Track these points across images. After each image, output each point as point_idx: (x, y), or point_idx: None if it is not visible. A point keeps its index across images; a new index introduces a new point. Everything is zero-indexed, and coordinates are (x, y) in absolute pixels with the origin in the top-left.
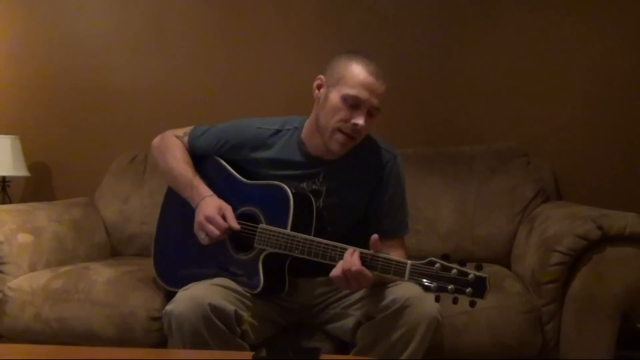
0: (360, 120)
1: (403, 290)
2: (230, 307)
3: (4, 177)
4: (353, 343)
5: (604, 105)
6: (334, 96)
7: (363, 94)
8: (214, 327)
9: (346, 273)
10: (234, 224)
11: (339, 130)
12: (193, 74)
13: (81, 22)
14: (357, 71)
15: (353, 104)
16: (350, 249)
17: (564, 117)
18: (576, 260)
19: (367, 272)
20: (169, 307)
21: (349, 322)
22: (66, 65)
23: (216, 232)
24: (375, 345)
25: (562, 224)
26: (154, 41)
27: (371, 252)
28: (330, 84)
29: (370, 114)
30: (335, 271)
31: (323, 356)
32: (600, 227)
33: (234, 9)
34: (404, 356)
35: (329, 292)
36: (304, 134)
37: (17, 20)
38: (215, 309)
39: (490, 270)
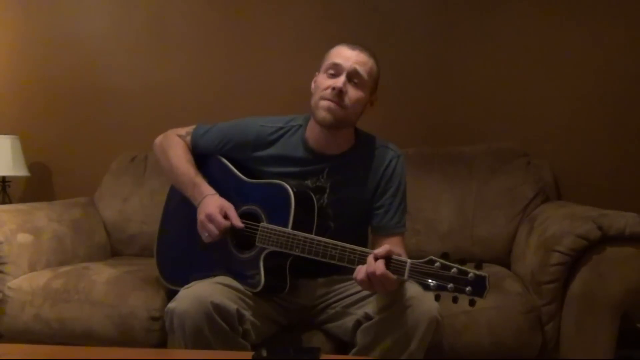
0: (338, 83)
1: (403, 290)
2: (233, 306)
3: (4, 177)
4: (353, 343)
5: (604, 106)
6: (320, 76)
7: (340, 60)
8: (216, 325)
9: (370, 277)
10: (237, 222)
11: (322, 98)
12: (193, 74)
13: (81, 22)
14: (338, 47)
15: (333, 72)
16: (371, 252)
17: (564, 117)
18: (576, 260)
19: (391, 275)
20: (171, 304)
21: (348, 321)
22: (66, 65)
23: (215, 231)
24: (374, 345)
25: (562, 224)
26: (154, 41)
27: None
28: (319, 71)
29: (354, 83)
30: (359, 274)
31: (323, 356)
32: (600, 227)
33: (234, 9)
34: (403, 356)
35: (330, 292)
36: (307, 130)
37: (17, 21)
38: (217, 308)
39: (490, 271)
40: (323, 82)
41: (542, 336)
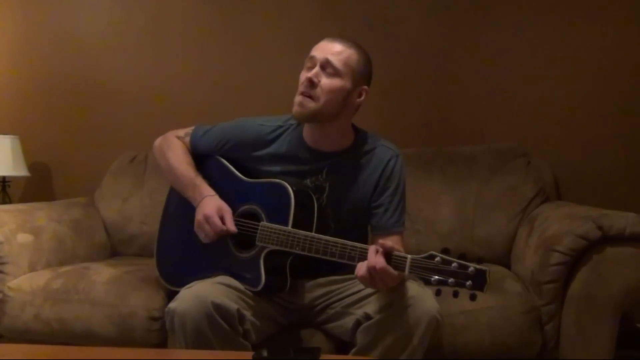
0: (308, 74)
1: (402, 290)
2: (233, 306)
3: (4, 177)
4: (353, 343)
5: (604, 105)
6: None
7: (315, 52)
8: (217, 325)
9: (371, 271)
10: (232, 226)
11: (298, 92)
12: (193, 74)
13: (81, 22)
14: (319, 42)
15: (309, 65)
16: (373, 247)
17: (564, 117)
18: (576, 260)
19: (391, 270)
20: (172, 305)
21: (348, 321)
22: (66, 65)
23: (211, 232)
24: (374, 345)
25: (562, 224)
26: (153, 41)
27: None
28: None
29: (328, 73)
30: (360, 270)
31: (323, 356)
32: (600, 227)
33: (234, 9)
34: (403, 356)
35: (330, 292)
36: (305, 128)
37: (17, 21)
38: (218, 308)
39: (490, 271)
40: (301, 76)
41: (542, 336)
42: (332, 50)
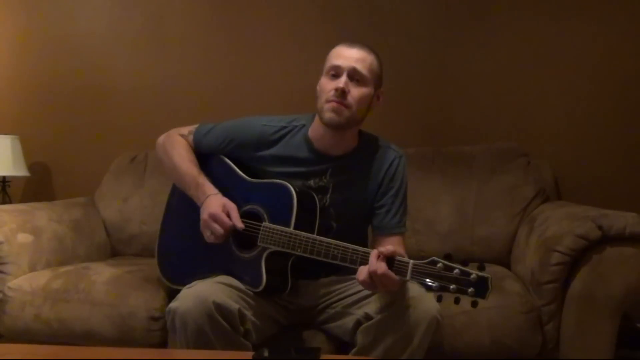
0: (340, 83)
1: (403, 290)
2: (234, 306)
3: (4, 177)
4: (353, 343)
5: (604, 106)
6: (322, 79)
7: (339, 61)
8: (218, 325)
9: (372, 276)
10: (238, 222)
11: (327, 100)
12: (193, 74)
13: (81, 22)
14: (337, 48)
15: (334, 73)
16: (374, 251)
17: (564, 117)
18: (576, 260)
19: (392, 275)
20: (173, 304)
21: (349, 321)
22: (66, 65)
23: (220, 230)
24: (375, 345)
25: (562, 224)
26: (154, 41)
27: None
28: (322, 74)
29: (355, 81)
30: (361, 275)
31: (323, 356)
32: (600, 227)
33: (235, 9)
34: (403, 356)
35: (330, 292)
36: (311, 130)
37: (17, 21)
38: (219, 307)
39: (490, 271)
40: (326, 85)
41: (542, 336)
42: (357, 57)
